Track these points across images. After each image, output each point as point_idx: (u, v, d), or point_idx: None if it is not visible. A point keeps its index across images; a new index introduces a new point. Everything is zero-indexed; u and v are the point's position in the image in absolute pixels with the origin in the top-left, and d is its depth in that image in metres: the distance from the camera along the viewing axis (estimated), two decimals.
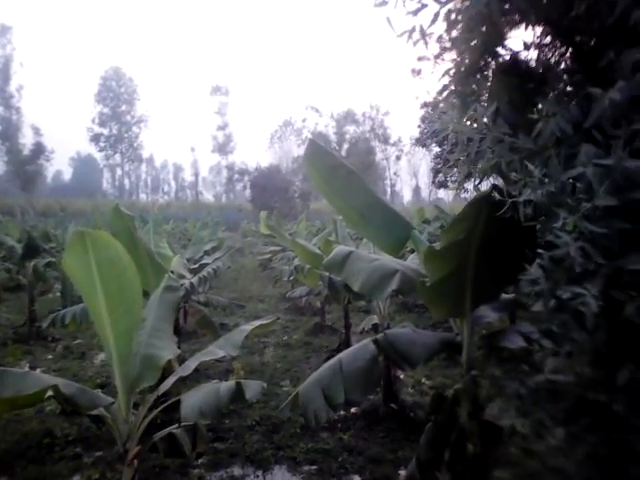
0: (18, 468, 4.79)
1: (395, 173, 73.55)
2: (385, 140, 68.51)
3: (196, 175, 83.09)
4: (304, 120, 70.80)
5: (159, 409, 3.24)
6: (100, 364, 8.09)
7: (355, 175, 3.46)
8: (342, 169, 3.46)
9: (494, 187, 2.25)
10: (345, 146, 65.98)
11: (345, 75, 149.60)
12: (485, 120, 2.20)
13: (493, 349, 3.16)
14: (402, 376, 6.34)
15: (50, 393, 2.89)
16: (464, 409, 2.80)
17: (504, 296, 3.29)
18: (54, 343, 9.48)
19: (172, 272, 5.79)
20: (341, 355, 3.20)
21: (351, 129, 68.39)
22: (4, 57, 62.00)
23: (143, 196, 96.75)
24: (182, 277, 6.73)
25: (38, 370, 7.25)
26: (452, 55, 2.42)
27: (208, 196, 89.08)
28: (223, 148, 73.57)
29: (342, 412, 5.81)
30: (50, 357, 8.64)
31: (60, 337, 9.71)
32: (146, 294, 3.73)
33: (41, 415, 5.83)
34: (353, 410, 5.90)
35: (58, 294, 12.64)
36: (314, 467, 4.77)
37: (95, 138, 75.31)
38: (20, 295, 13.57)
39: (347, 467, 4.75)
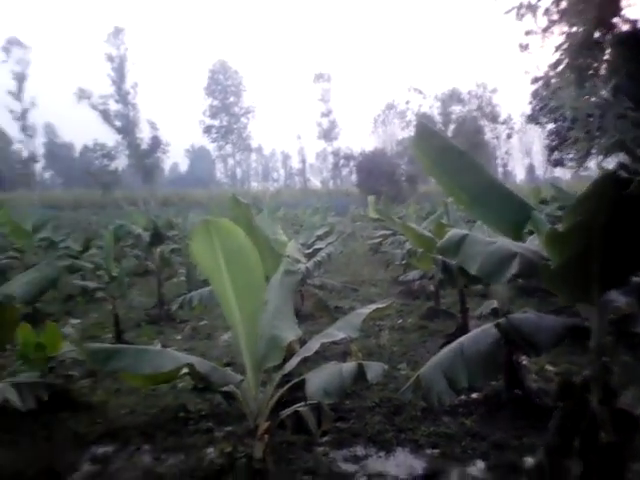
0: (159, 438, 5.24)
1: (507, 152, 70.73)
2: (494, 118, 65.98)
3: (303, 162, 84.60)
4: (407, 102, 69.74)
5: (285, 388, 3.41)
6: (224, 344, 8.56)
7: (466, 156, 3.40)
8: (452, 150, 3.41)
9: (620, 165, 2.14)
10: (451, 126, 64.27)
11: (448, 54, 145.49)
12: (604, 95, 2.09)
13: (623, 334, 3.03)
14: (525, 362, 6.16)
15: (185, 370, 3.14)
16: (595, 396, 2.70)
17: (633, 279, 3.11)
18: (182, 324, 10.13)
19: (288, 257, 5.98)
20: (462, 339, 3.19)
21: (457, 109, 66.51)
22: (119, 57, 66.17)
23: (254, 184, 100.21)
24: (297, 262, 6.95)
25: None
26: (562, 28, 2.30)
27: (316, 182, 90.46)
28: (328, 134, 74.26)
29: (463, 397, 5.75)
30: (179, 337, 9.26)
31: (187, 319, 10.36)
32: (266, 278, 3.90)
33: (175, 391, 6.29)
34: (474, 395, 5.83)
35: (183, 278, 13.50)
36: (436, 451, 4.77)
37: (207, 130, 78.63)
38: (148, 279, 14.62)
39: (470, 452, 4.70)
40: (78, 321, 10.92)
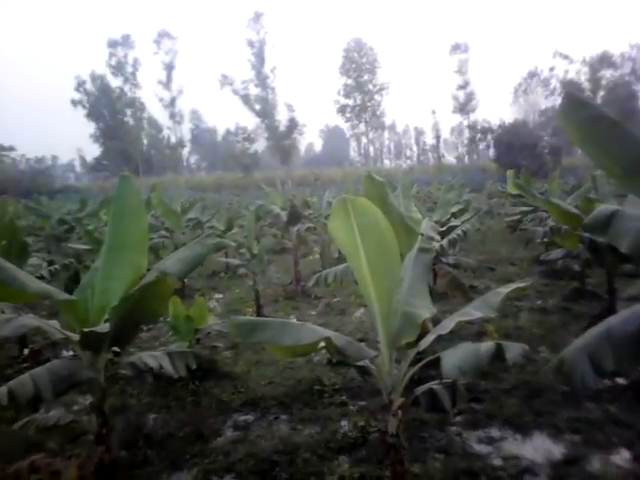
0: (295, 409, 5.46)
1: None
2: None
3: (437, 137, 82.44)
4: (551, 69, 65.51)
5: (420, 365, 3.37)
6: (357, 321, 8.68)
7: (620, 126, 3.09)
8: (604, 120, 3.11)
9: None
10: (600, 93, 59.27)
11: (597, 13, 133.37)
12: None
13: None
14: None
15: (323, 344, 3.21)
16: None
17: None
18: (317, 300, 10.41)
19: (422, 234, 5.87)
20: (609, 320, 2.95)
21: (607, 74, 61.16)
22: (258, 42, 68.24)
23: (387, 162, 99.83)
24: (432, 239, 6.81)
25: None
26: None
27: (450, 158, 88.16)
28: (464, 107, 71.67)
29: (608, 382, 5.37)
30: (314, 313, 9.53)
31: (322, 295, 10.63)
32: (400, 255, 3.86)
33: (310, 364, 6.51)
34: (620, 380, 5.42)
35: (317, 256, 13.84)
36: (577, 436, 4.52)
37: (341, 109, 79.15)
38: (285, 257, 15.18)
39: (614, 440, 4.41)
40: (221, 296, 11.63)
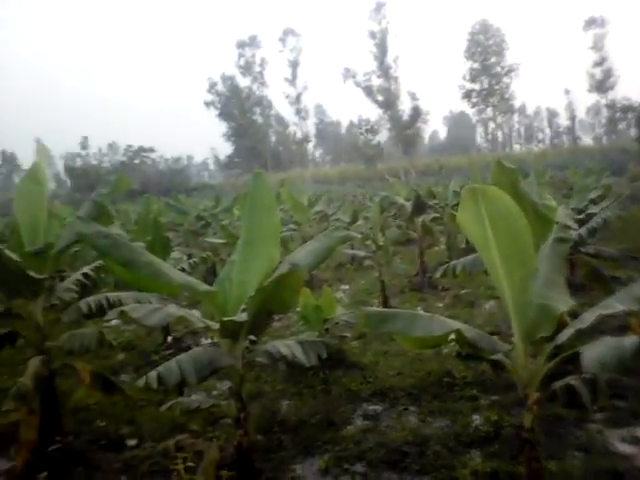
0: (424, 401, 5.44)
1: None
2: None
3: (572, 118, 77.45)
4: None
5: (557, 359, 3.21)
6: (488, 313, 8.43)
7: None
8: None
9: None
10: None
11: None
12: None
13: None
14: None
15: (452, 336, 3.16)
16: None
17: None
18: (444, 292, 10.24)
19: (558, 223, 5.57)
20: None
21: None
22: (380, 32, 67.91)
23: (516, 147, 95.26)
24: (568, 228, 6.43)
25: None
26: None
27: (587, 140, 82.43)
28: (601, 85, 66.63)
29: None
30: (440, 305, 9.39)
31: (449, 287, 10.44)
32: (534, 245, 3.69)
33: (439, 357, 6.43)
34: None
35: (443, 247, 13.58)
36: None
37: (467, 95, 76.76)
38: (410, 248, 15.06)
39: None
40: (347, 287, 11.80)
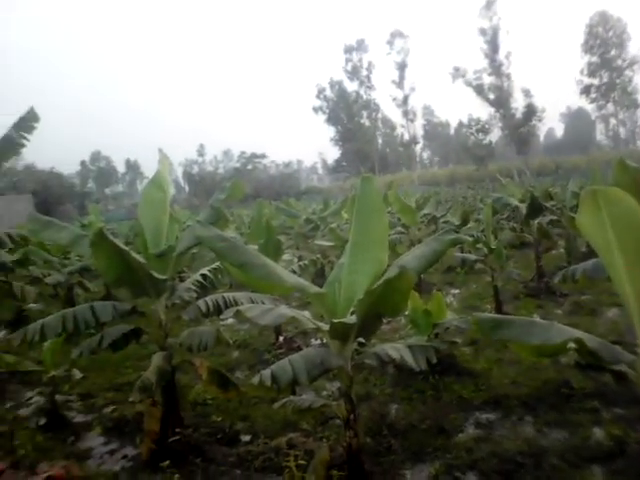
0: (540, 411, 5.20)
1: None
2: None
3: None
4: None
5: None
6: (610, 321, 7.90)
7: None
8: None
9: None
10: None
11: None
12: None
13: None
14: None
15: (572, 345, 3.00)
16: None
17: None
18: (562, 298, 9.72)
19: None
20: None
21: None
22: (491, 29, 65.91)
23: None
24: None
25: None
26: None
27: None
28: None
29: None
30: (559, 312, 8.92)
31: (567, 292, 9.90)
32: None
33: (556, 366, 6.11)
34: None
35: (562, 250, 12.91)
36: None
37: (585, 90, 72.56)
38: (525, 252, 14.44)
39: None
40: (457, 291, 11.52)
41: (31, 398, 6.55)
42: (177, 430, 4.86)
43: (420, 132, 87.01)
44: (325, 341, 4.28)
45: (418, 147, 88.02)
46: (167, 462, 4.26)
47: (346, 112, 75.81)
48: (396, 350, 4.20)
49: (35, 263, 13.90)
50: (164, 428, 4.82)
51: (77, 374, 6.71)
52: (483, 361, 6.66)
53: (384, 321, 8.43)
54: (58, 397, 6.16)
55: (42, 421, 5.92)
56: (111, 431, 5.71)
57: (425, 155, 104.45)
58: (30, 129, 7.63)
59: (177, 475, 4.02)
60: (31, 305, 11.73)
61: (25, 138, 7.51)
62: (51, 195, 54.73)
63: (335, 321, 3.79)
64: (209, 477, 4.52)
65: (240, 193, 5.92)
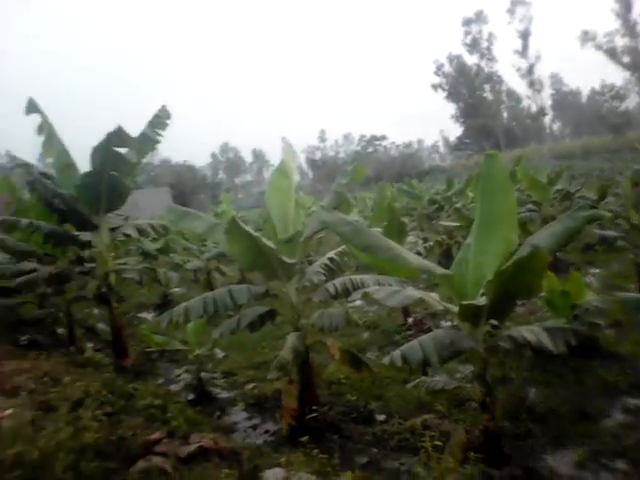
0: None
1: None
2: None
3: None
4: None
5: None
6: None
7: None
8: None
9: None
10: None
11: None
12: None
13: None
14: None
15: None
16: None
17: None
18: None
19: None
20: None
21: None
22: None
23: None
24: None
25: None
26: None
27: None
28: None
29: None
30: None
31: None
32: None
33: None
34: None
35: None
36: None
37: None
38: None
39: None
40: (597, 270, 10.81)
41: (179, 375, 7.10)
42: (313, 408, 5.05)
43: (548, 102, 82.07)
44: (455, 323, 4.22)
45: (547, 119, 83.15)
46: (306, 437, 4.43)
47: (467, 87, 73.23)
48: (532, 332, 4.04)
49: (175, 251, 14.98)
50: (301, 405, 5.03)
51: (219, 353, 7.21)
52: (628, 344, 6.21)
53: (518, 303, 8.15)
54: (203, 374, 6.63)
55: (190, 396, 6.44)
56: (252, 407, 6.07)
57: (555, 127, 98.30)
58: (163, 126, 8.22)
59: (316, 450, 4.18)
60: (174, 289, 12.71)
61: (159, 135, 8.12)
62: (186, 186, 58.41)
63: (464, 303, 3.72)
64: (347, 454, 4.65)
65: (361, 176, 5.96)
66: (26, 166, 7.80)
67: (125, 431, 4.06)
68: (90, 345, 8.70)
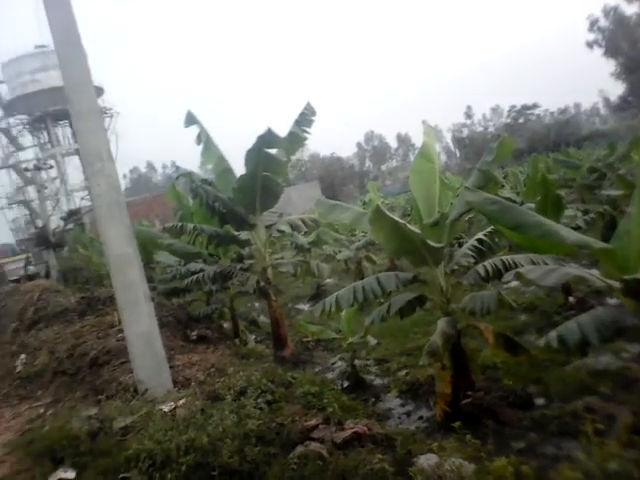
0: None
1: None
2: None
3: None
4: None
5: None
6: None
7: None
8: None
9: None
10: None
11: None
12: None
13: None
14: None
15: None
16: None
17: None
18: None
19: None
20: None
21: None
22: None
23: None
24: None
25: None
26: None
27: None
28: None
29: None
30: None
31: None
32: None
33: None
34: None
35: None
36: None
37: None
38: None
39: None
40: None
41: (334, 363, 7.37)
42: (468, 393, 4.98)
43: None
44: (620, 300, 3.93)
45: None
46: (458, 423, 4.39)
47: (628, 39, 66.18)
48: None
49: (326, 242, 15.47)
50: (455, 391, 4.99)
51: (372, 340, 7.35)
52: None
53: None
54: (357, 362, 6.82)
55: (345, 383, 6.65)
56: (406, 393, 6.13)
57: None
58: (310, 123, 8.52)
59: (469, 436, 4.13)
60: (327, 280, 13.14)
61: (306, 132, 8.44)
62: (335, 178, 59.76)
63: (627, 278, 3.45)
64: (503, 439, 4.54)
65: (509, 151, 5.70)
66: (189, 174, 8.55)
67: (284, 418, 4.31)
68: (252, 337, 9.31)
